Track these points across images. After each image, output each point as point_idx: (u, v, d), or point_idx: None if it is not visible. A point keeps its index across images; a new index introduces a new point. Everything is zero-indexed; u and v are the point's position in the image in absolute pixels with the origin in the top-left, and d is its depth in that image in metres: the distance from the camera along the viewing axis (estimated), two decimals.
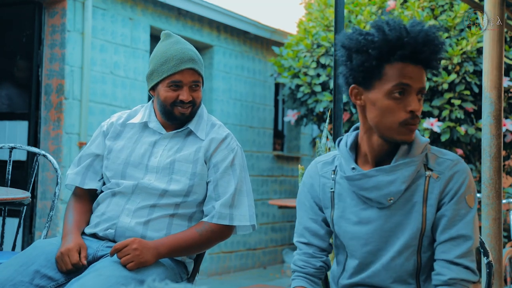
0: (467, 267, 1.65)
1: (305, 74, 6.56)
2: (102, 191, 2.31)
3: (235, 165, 2.27)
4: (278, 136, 8.46)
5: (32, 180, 3.05)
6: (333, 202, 1.81)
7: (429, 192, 1.69)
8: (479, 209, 5.33)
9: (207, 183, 2.25)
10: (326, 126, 3.58)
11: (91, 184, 2.32)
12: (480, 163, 3.01)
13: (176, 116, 2.25)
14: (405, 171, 1.69)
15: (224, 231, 2.23)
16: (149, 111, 2.33)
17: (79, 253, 2.09)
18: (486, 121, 2.94)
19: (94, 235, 2.23)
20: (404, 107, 1.65)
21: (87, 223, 2.28)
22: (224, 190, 2.23)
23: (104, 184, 2.33)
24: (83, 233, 2.25)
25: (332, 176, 1.82)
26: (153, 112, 2.32)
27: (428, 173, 1.70)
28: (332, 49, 6.16)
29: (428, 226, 1.70)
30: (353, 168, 1.75)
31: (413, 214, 1.70)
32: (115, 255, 2.05)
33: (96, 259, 2.14)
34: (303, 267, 1.86)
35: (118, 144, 2.30)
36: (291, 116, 6.93)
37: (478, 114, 5.81)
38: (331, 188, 1.82)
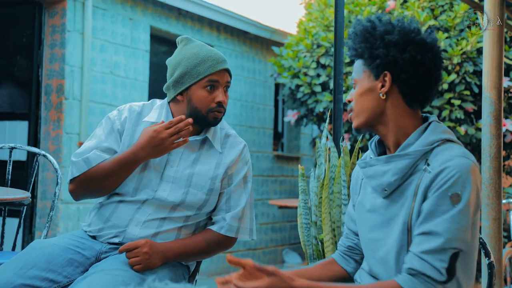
0: (431, 265, 1.58)
1: (305, 74, 6.56)
2: None
3: (247, 178, 2.28)
4: (276, 136, 8.45)
5: (32, 180, 3.05)
6: (360, 190, 1.87)
7: (420, 186, 1.67)
8: None
9: (219, 194, 2.25)
10: (326, 126, 3.58)
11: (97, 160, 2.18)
12: (480, 163, 3.01)
13: (210, 122, 2.21)
14: (398, 164, 1.69)
15: (229, 242, 2.26)
16: (166, 111, 2.26)
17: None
18: (486, 121, 2.95)
19: (95, 237, 2.22)
20: None
21: (89, 225, 2.25)
22: (236, 203, 2.24)
23: None
24: (85, 233, 2.23)
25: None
26: (171, 113, 2.26)
27: (424, 167, 1.68)
28: (332, 49, 6.16)
29: (415, 221, 1.66)
30: (371, 158, 1.80)
31: (404, 208, 1.69)
32: (122, 253, 2.06)
33: (99, 260, 2.13)
34: (338, 246, 1.97)
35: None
36: (291, 116, 6.93)
37: (478, 114, 5.81)
38: (362, 178, 1.88)
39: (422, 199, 1.66)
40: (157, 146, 2.09)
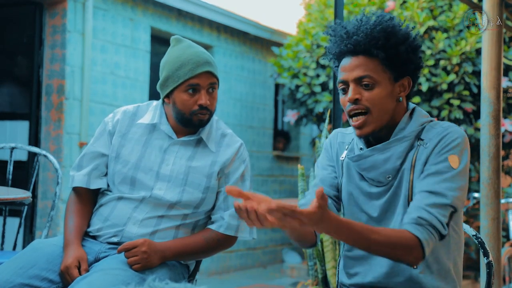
0: (437, 218, 1.62)
1: (305, 74, 6.57)
2: (105, 190, 2.29)
3: (245, 176, 2.28)
4: (281, 135, 8.45)
5: (33, 180, 3.06)
6: (343, 171, 1.86)
7: (417, 159, 1.71)
8: (477, 209, 5.32)
9: (217, 193, 2.25)
10: (325, 126, 3.60)
11: (97, 183, 2.27)
12: (479, 163, 3.02)
13: (195, 123, 2.21)
14: (398, 147, 1.73)
15: (229, 241, 2.25)
16: (160, 112, 2.28)
17: (80, 267, 2.06)
18: (485, 121, 2.96)
19: (95, 237, 2.22)
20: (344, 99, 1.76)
21: (88, 225, 2.27)
22: (234, 201, 2.24)
23: (107, 184, 2.29)
24: (85, 233, 2.24)
25: (347, 146, 1.88)
26: (164, 114, 2.28)
27: (418, 142, 1.73)
28: None
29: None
30: (361, 149, 1.80)
31: (403, 182, 1.73)
32: (121, 253, 2.06)
33: (98, 260, 2.14)
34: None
35: (126, 147, 2.25)
36: (290, 116, 6.94)
37: (477, 114, 5.83)
38: (342, 157, 1.87)
39: (421, 170, 1.70)
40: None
